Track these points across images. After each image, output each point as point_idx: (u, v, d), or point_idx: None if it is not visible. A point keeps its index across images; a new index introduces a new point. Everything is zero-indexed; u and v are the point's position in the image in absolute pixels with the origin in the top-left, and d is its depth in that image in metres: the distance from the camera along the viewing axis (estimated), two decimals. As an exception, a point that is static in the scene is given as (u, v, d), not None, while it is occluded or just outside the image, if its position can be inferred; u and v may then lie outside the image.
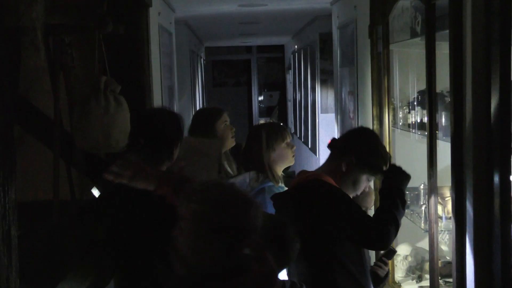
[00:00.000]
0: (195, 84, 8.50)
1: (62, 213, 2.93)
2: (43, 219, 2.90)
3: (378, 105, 3.82)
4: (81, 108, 3.12)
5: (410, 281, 3.44)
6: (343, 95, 5.22)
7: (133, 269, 2.57)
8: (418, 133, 3.31)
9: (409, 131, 3.53)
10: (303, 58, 8.52)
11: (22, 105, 3.08)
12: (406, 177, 2.50)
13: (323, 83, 6.66)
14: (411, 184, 3.68)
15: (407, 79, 3.76)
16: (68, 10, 3.11)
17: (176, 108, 5.53)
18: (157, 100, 4.27)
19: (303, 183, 2.51)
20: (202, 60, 10.59)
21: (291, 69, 10.73)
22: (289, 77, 11.17)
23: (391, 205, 2.39)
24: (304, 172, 2.65)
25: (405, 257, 3.52)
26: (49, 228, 2.86)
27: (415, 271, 3.46)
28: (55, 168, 2.99)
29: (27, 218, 2.74)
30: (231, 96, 13.82)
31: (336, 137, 3.64)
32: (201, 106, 9.54)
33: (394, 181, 2.47)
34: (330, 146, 2.62)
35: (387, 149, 3.72)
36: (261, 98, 14.41)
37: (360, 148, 2.52)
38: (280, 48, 12.87)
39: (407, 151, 3.81)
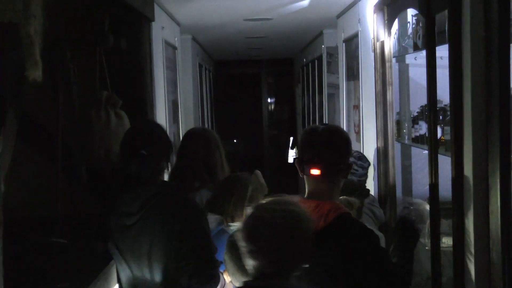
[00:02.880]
0: (203, 98, 8.53)
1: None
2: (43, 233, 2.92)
3: (383, 118, 3.82)
4: (82, 123, 3.15)
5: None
6: (347, 108, 5.23)
7: None
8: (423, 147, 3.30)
9: (415, 146, 3.53)
10: (311, 72, 8.52)
11: (24, 120, 3.11)
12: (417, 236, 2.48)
13: (330, 97, 6.65)
14: (417, 201, 3.69)
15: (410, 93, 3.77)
16: (69, 24, 3.12)
17: (181, 122, 5.56)
18: (161, 114, 4.29)
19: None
20: (210, 74, 10.63)
21: (300, 82, 10.74)
22: (298, 91, 11.18)
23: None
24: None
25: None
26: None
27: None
28: (57, 183, 3.00)
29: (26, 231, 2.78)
30: (241, 110, 13.85)
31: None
32: (209, 120, 9.58)
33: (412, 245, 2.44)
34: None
35: (391, 163, 3.75)
36: (271, 111, 14.43)
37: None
38: (289, 61, 12.90)
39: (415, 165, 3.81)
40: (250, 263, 2.00)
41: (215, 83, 11.94)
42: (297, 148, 2.57)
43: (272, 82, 14.65)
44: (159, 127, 2.83)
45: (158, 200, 2.63)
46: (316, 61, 7.82)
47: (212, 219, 3.05)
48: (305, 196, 2.40)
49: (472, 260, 2.40)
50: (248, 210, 2.50)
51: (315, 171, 2.33)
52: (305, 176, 2.40)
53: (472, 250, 2.37)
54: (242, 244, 2.01)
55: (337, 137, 2.43)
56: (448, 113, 2.96)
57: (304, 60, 9.50)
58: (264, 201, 2.09)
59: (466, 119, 2.42)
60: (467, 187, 2.42)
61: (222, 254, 2.86)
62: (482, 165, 2.32)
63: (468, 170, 2.41)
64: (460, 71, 2.46)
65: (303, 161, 2.38)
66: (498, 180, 2.23)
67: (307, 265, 2.05)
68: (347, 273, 2.19)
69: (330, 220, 2.29)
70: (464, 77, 2.43)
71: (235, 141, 11.86)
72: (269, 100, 14.58)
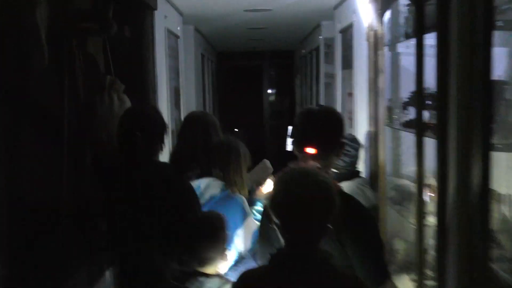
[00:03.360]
0: (205, 87, 8.55)
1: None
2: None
3: (375, 104, 3.85)
4: (86, 107, 3.18)
5: (405, 275, 3.44)
6: (342, 96, 5.26)
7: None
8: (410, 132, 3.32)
9: (404, 130, 3.55)
10: (310, 63, 8.56)
11: (30, 105, 3.14)
12: None
13: (327, 86, 6.67)
14: (405, 182, 3.73)
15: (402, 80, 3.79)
16: (74, 12, 3.14)
17: (183, 108, 5.58)
18: (163, 99, 4.31)
19: None
20: (213, 64, 10.63)
21: (299, 73, 10.76)
22: (298, 81, 11.20)
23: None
24: None
25: (396, 252, 3.53)
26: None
27: (408, 265, 3.46)
28: (64, 167, 3.02)
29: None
30: (243, 100, 13.87)
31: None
32: (211, 108, 9.60)
33: None
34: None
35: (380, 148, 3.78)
36: (271, 100, 14.45)
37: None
38: (290, 54, 12.90)
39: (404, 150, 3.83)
40: (285, 234, 1.99)
41: (217, 73, 11.95)
42: (294, 129, 2.58)
43: (273, 73, 14.66)
44: (154, 109, 2.87)
45: (154, 183, 2.66)
46: (314, 52, 7.84)
47: (216, 185, 3.09)
48: None
49: (454, 235, 2.43)
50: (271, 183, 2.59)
51: (310, 150, 2.38)
52: (300, 155, 2.44)
53: (455, 227, 2.40)
54: (276, 217, 1.99)
55: (331, 118, 2.49)
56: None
57: (303, 51, 9.51)
58: (290, 172, 2.05)
59: (452, 104, 2.42)
60: (450, 167, 2.43)
61: (230, 219, 2.90)
62: (465, 147, 2.33)
63: (452, 152, 2.42)
64: (446, 59, 2.45)
65: (299, 140, 2.44)
66: (480, 162, 2.25)
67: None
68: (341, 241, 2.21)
69: None
70: (450, 65, 2.43)
71: (236, 130, 11.86)
72: (270, 91, 14.60)
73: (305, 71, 9.29)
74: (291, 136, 2.54)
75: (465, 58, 2.32)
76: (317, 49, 7.43)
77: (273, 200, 2.00)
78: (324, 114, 2.50)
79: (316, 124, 2.44)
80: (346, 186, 3.10)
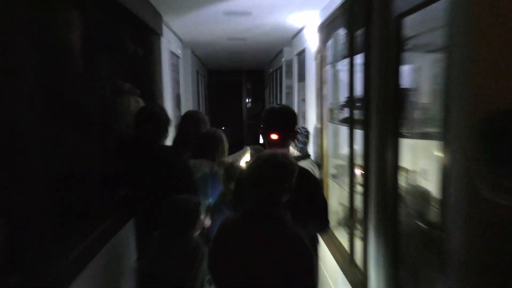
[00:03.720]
0: (199, 95, 8.50)
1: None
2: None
3: (320, 107, 3.88)
4: (111, 106, 3.15)
5: (342, 228, 3.50)
6: (298, 102, 5.27)
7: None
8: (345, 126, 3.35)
9: (341, 125, 3.59)
10: (275, 78, 8.56)
11: (70, 106, 3.10)
12: None
13: (288, 95, 6.69)
14: (342, 162, 3.76)
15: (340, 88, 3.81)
16: (101, 36, 3.11)
17: (182, 108, 5.54)
18: (167, 102, 4.26)
19: None
20: (205, 79, 10.56)
21: (268, 86, 10.77)
22: (267, 92, 11.20)
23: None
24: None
25: (336, 212, 3.57)
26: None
27: (342, 221, 3.51)
28: (96, 149, 2.99)
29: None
30: (228, 106, 13.85)
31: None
32: (203, 110, 9.54)
33: None
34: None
35: (324, 138, 3.82)
36: (248, 106, 14.42)
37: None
38: (261, 72, 12.88)
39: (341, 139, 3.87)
40: (252, 194, 1.94)
41: (208, 86, 11.88)
42: (261, 121, 2.58)
43: (249, 86, 14.62)
44: (160, 107, 2.84)
45: (159, 160, 2.65)
46: (278, 70, 7.83)
47: (207, 165, 3.04)
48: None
49: (375, 199, 2.48)
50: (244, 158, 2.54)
51: (274, 136, 2.40)
52: (266, 141, 2.46)
53: (375, 193, 2.44)
54: (247, 179, 1.96)
55: (287, 112, 2.50)
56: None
57: (271, 70, 9.50)
58: (264, 153, 2.04)
59: (373, 105, 2.45)
60: (372, 150, 2.47)
61: (216, 188, 2.88)
62: (382, 136, 2.36)
63: (373, 139, 2.45)
64: (369, 73, 2.49)
65: (265, 130, 2.44)
66: (393, 146, 2.28)
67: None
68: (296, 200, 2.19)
69: None
70: (372, 77, 2.46)
71: (223, 128, 11.82)
72: (247, 100, 14.58)
73: (272, 85, 9.30)
74: (259, 128, 2.52)
75: (382, 72, 2.36)
76: (280, 68, 7.44)
77: (249, 169, 1.98)
78: (282, 110, 2.52)
79: (276, 117, 2.45)
80: (301, 163, 3.12)
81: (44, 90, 2.32)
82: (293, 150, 3.82)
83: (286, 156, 2.06)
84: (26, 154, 1.38)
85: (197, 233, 2.44)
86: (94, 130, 2.89)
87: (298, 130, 2.52)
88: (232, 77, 14.10)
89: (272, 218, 1.89)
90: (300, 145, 3.65)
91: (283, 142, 2.43)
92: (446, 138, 1.65)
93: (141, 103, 3.31)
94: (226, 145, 3.18)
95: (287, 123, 2.43)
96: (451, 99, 1.59)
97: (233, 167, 2.84)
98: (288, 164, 1.99)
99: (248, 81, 14.50)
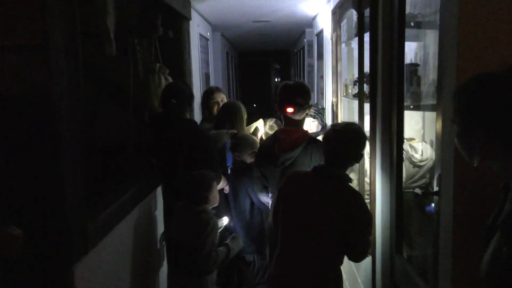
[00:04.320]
0: (229, 75, 8.53)
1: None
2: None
3: (336, 83, 3.87)
4: (143, 84, 3.24)
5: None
6: (318, 78, 5.26)
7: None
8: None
9: (354, 99, 3.57)
10: (299, 58, 8.51)
11: (108, 84, 3.21)
12: None
13: (309, 73, 6.66)
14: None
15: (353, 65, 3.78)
16: (135, 20, 3.17)
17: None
18: (197, 80, 4.32)
19: None
20: (235, 60, 10.58)
21: (292, 65, 10.71)
22: (292, 71, 11.14)
23: None
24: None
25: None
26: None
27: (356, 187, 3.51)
28: (129, 122, 3.09)
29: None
30: (257, 85, 13.89)
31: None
32: (235, 91, 9.58)
33: None
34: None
35: (339, 111, 3.81)
36: (276, 85, 14.43)
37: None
38: (287, 52, 12.79)
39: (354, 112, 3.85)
40: (326, 155, 2.01)
41: (239, 66, 11.89)
42: (277, 96, 2.60)
43: (277, 66, 14.57)
44: (185, 84, 2.88)
45: (182, 132, 2.71)
46: (301, 50, 7.79)
47: (225, 134, 3.04)
48: (283, 126, 2.48)
49: (381, 161, 2.47)
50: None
51: (290, 109, 2.41)
52: (282, 115, 2.47)
53: (381, 155, 2.44)
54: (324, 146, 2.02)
55: (302, 87, 2.49)
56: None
57: (295, 50, 9.44)
58: (342, 122, 2.13)
59: (379, 80, 2.42)
60: (378, 121, 2.46)
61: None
62: (387, 108, 2.36)
63: (379, 111, 2.44)
64: (375, 49, 2.46)
65: (281, 104, 2.45)
66: (396, 117, 2.30)
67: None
68: None
69: (304, 140, 2.38)
70: (378, 54, 2.43)
71: (254, 105, 11.88)
72: (276, 79, 14.55)
73: (296, 64, 9.25)
74: (276, 102, 2.53)
75: (386, 49, 2.34)
76: (303, 48, 7.38)
77: (326, 134, 2.04)
78: (297, 85, 2.52)
79: (291, 91, 2.45)
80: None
81: (87, 71, 2.43)
82: (317, 125, 3.82)
83: (360, 128, 2.11)
84: (66, 121, 1.46)
85: (211, 206, 2.50)
86: (128, 105, 2.99)
87: (312, 104, 2.52)
88: (261, 58, 14.07)
89: (337, 178, 1.96)
90: (319, 121, 3.67)
91: (298, 115, 2.44)
92: (438, 107, 1.66)
93: (171, 81, 3.37)
94: (245, 115, 3.20)
95: (302, 97, 2.43)
96: (442, 70, 1.59)
97: (238, 138, 2.88)
98: (362, 135, 2.03)
99: (275, 62, 14.44)
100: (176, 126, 2.72)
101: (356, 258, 2.02)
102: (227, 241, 2.54)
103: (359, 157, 2.03)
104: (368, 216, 1.96)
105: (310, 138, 2.44)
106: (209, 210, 2.45)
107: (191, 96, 2.81)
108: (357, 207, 1.91)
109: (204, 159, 2.65)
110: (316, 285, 1.89)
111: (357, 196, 1.96)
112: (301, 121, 2.48)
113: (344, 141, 1.97)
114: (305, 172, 2.08)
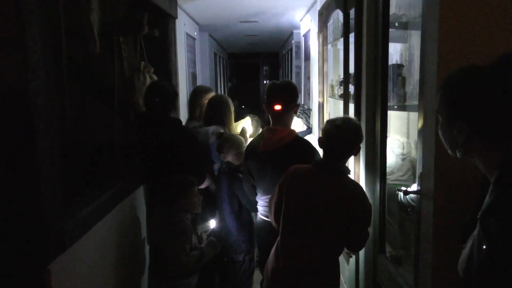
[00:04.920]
0: (217, 76, 8.49)
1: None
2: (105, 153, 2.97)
3: (322, 83, 3.87)
4: (128, 82, 3.21)
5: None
6: (305, 80, 5.26)
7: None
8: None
9: (340, 99, 3.57)
10: (286, 59, 8.52)
11: (93, 82, 3.17)
12: None
13: (297, 74, 6.66)
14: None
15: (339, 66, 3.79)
16: (120, 18, 3.14)
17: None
18: (182, 79, 4.29)
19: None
20: (224, 61, 10.54)
21: (281, 67, 10.72)
22: (280, 72, 11.16)
23: None
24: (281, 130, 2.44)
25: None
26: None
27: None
28: (115, 120, 3.06)
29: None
30: (247, 86, 13.89)
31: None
32: (221, 92, 9.54)
33: None
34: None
35: (326, 111, 3.82)
36: (265, 85, 14.45)
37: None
38: (276, 54, 12.81)
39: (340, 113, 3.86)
40: (325, 149, 2.06)
41: (228, 68, 11.87)
42: (265, 96, 2.59)
43: (266, 68, 14.59)
44: (169, 84, 2.86)
45: (166, 131, 2.69)
46: (289, 51, 7.80)
47: (219, 130, 3.02)
48: (271, 125, 2.47)
49: (365, 161, 2.48)
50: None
51: (277, 107, 2.42)
52: (270, 114, 2.47)
53: (365, 155, 2.44)
54: (324, 141, 2.06)
55: (289, 85, 2.51)
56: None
57: (283, 52, 9.45)
58: (333, 118, 2.13)
59: (363, 80, 2.43)
60: (362, 121, 2.47)
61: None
62: (372, 108, 2.38)
63: (363, 111, 2.46)
64: (360, 51, 2.47)
65: (269, 102, 2.45)
66: (380, 117, 2.31)
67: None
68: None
69: (288, 140, 2.39)
70: (362, 54, 2.44)
71: (243, 106, 11.87)
72: (264, 80, 14.56)
73: (285, 65, 9.26)
74: (264, 102, 2.50)
75: (371, 50, 2.35)
76: (291, 50, 7.39)
77: (326, 129, 2.07)
78: (283, 83, 2.52)
79: (278, 89, 2.45)
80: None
81: (70, 68, 2.40)
82: (303, 125, 3.83)
83: (358, 121, 2.15)
84: (43, 117, 1.43)
85: (188, 212, 2.46)
86: (113, 103, 2.95)
87: (299, 104, 2.52)
88: (250, 60, 14.07)
89: (338, 171, 2.02)
90: (304, 122, 3.68)
91: (285, 114, 2.44)
92: (419, 106, 1.66)
93: (155, 79, 3.34)
94: (232, 108, 3.17)
95: (289, 94, 2.44)
96: (423, 70, 1.60)
97: (223, 138, 2.85)
98: (360, 129, 2.08)
99: (264, 63, 14.45)
100: (160, 125, 2.69)
101: (355, 247, 2.11)
102: (202, 245, 2.52)
103: (357, 150, 2.09)
104: (368, 207, 2.04)
105: (296, 137, 2.43)
106: (181, 214, 2.41)
107: (175, 95, 2.79)
108: (358, 198, 1.98)
109: (189, 159, 2.63)
110: (319, 276, 1.96)
111: (358, 188, 2.03)
112: (289, 120, 2.48)
113: (345, 135, 2.02)
114: (305, 167, 2.11)
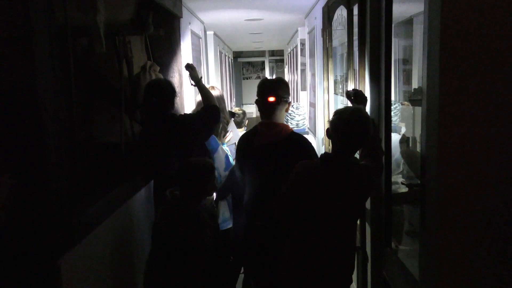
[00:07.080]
0: (222, 74, 8.48)
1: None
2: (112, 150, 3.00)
3: (327, 80, 3.87)
4: (135, 81, 3.24)
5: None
6: (310, 76, 5.25)
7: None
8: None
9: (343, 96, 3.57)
10: (292, 57, 8.51)
11: (100, 81, 3.19)
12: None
13: (302, 71, 6.66)
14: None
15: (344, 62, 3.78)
16: (126, 18, 3.17)
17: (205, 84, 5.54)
18: (187, 78, 4.28)
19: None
20: (229, 59, 10.53)
21: (286, 64, 10.71)
22: (286, 69, 11.14)
23: None
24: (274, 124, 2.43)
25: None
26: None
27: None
28: (122, 119, 3.09)
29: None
30: (253, 85, 13.88)
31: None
32: (228, 89, 9.54)
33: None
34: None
35: (331, 108, 3.81)
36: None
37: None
38: (282, 51, 12.80)
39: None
40: (335, 145, 2.06)
41: (234, 66, 11.85)
42: (257, 92, 2.54)
43: (272, 65, 14.55)
44: (167, 82, 2.86)
45: (164, 127, 2.71)
46: (294, 49, 7.77)
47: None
48: (263, 119, 2.45)
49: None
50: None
51: (271, 98, 2.40)
52: (262, 108, 2.43)
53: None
54: (332, 134, 2.05)
55: (281, 81, 2.51)
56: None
57: (289, 49, 9.43)
58: (341, 110, 2.11)
59: (367, 76, 2.43)
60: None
61: (219, 164, 2.92)
62: (374, 106, 2.37)
63: (367, 106, 2.44)
64: (364, 46, 2.46)
65: (262, 96, 2.43)
66: (384, 111, 2.33)
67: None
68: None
69: (286, 134, 2.38)
70: (365, 50, 2.43)
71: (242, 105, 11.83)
72: (270, 76, 14.55)
73: (290, 63, 9.24)
74: (256, 99, 2.49)
75: (374, 46, 2.34)
76: (296, 47, 7.38)
77: (334, 125, 2.04)
78: (276, 79, 2.54)
79: (271, 83, 2.46)
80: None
81: (77, 68, 2.42)
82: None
83: (366, 112, 2.12)
84: (55, 118, 1.46)
85: (209, 196, 2.41)
86: (119, 102, 2.98)
87: (290, 101, 2.52)
88: (256, 58, 14.05)
89: (350, 163, 2.04)
90: (293, 123, 3.67)
91: (278, 108, 2.42)
92: (424, 98, 1.66)
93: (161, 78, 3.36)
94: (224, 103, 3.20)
95: (282, 89, 2.44)
96: (427, 66, 1.60)
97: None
98: (369, 119, 2.06)
99: (270, 61, 14.43)
100: (160, 122, 2.71)
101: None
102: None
103: (367, 140, 2.08)
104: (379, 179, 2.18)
105: (292, 132, 2.44)
106: (195, 203, 2.29)
107: (173, 94, 2.78)
108: (371, 183, 2.10)
109: (193, 149, 2.67)
110: (339, 267, 2.07)
111: (369, 170, 2.07)
112: (281, 116, 2.47)
113: (354, 128, 2.00)
114: (315, 164, 2.10)
